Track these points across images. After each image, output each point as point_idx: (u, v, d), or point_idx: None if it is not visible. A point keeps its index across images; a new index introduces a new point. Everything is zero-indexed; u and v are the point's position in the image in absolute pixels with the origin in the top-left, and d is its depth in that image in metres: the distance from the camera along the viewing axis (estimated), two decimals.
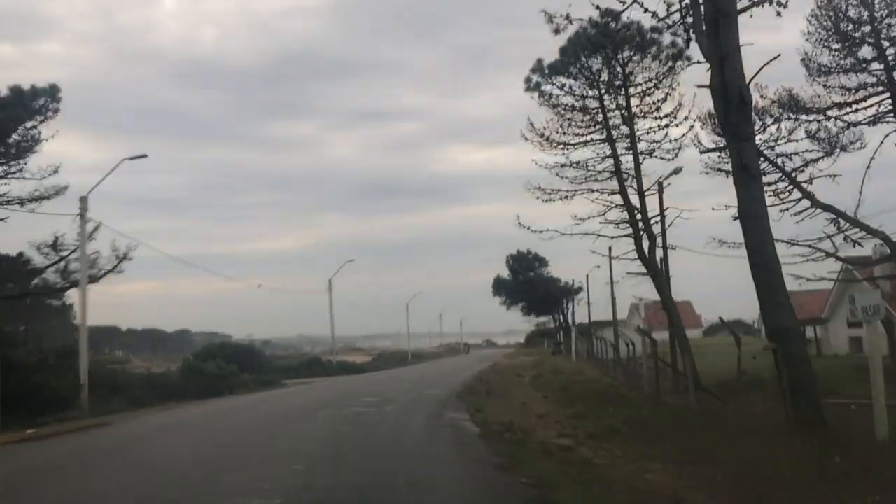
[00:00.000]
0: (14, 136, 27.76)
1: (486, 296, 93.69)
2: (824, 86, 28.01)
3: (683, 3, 17.30)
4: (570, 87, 30.60)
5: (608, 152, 30.60)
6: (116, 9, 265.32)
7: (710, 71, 16.68)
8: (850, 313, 15.31)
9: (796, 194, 28.98)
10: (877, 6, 26.69)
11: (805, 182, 28.99)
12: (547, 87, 30.48)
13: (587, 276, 71.34)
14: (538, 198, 30.50)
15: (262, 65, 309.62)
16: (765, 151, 29.80)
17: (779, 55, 24.89)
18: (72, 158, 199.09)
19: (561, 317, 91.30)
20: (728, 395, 23.26)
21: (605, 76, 30.15)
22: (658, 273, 29.60)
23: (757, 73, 17.05)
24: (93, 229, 28.70)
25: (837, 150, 28.82)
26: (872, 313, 13.97)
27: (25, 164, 28.08)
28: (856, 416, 17.05)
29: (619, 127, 30.46)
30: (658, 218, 30.16)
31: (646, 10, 17.23)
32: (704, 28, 16.91)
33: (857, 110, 27.80)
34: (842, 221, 27.33)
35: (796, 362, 15.42)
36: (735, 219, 25.58)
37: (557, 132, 31.02)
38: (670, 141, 29.60)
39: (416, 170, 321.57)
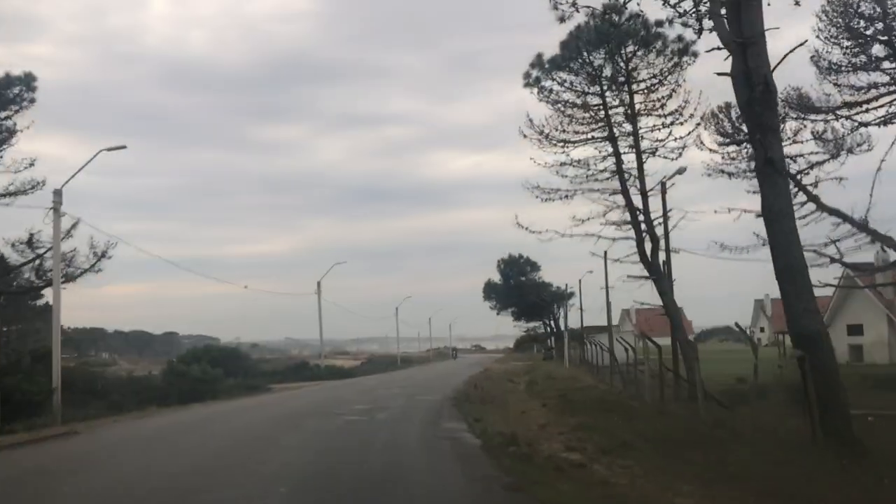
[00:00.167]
0: None
1: (475, 301, 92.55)
2: (835, 84, 27.04)
3: None
4: (571, 83, 29.42)
5: (609, 151, 29.42)
6: (105, 11, 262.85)
7: (728, 59, 15.61)
8: None
9: (801, 198, 28.10)
10: (889, 2, 25.71)
11: (810, 185, 28.11)
12: (547, 83, 29.27)
13: (580, 280, 70.43)
14: (537, 197, 29.35)
15: (252, 68, 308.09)
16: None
17: (805, 41, 23.69)
18: (58, 159, 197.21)
19: (552, 322, 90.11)
20: (731, 403, 22.15)
21: (607, 71, 28.98)
22: (661, 277, 28.43)
23: (781, 61, 15.95)
24: (70, 226, 27.37)
25: (844, 152, 27.92)
26: None
27: (0, 156, 26.66)
28: (878, 428, 16.06)
29: (622, 125, 29.30)
30: (661, 220, 29.01)
31: None
32: (724, 12, 15.80)
33: (867, 110, 26.90)
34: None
35: (825, 371, 14.31)
36: (758, 216, 24.42)
37: (557, 130, 29.85)
38: (676, 139, 28.47)
39: (406, 174, 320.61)
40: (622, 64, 28.77)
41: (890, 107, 26.43)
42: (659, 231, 28.98)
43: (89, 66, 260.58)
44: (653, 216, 29.00)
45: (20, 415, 22.48)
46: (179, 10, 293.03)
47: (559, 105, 29.63)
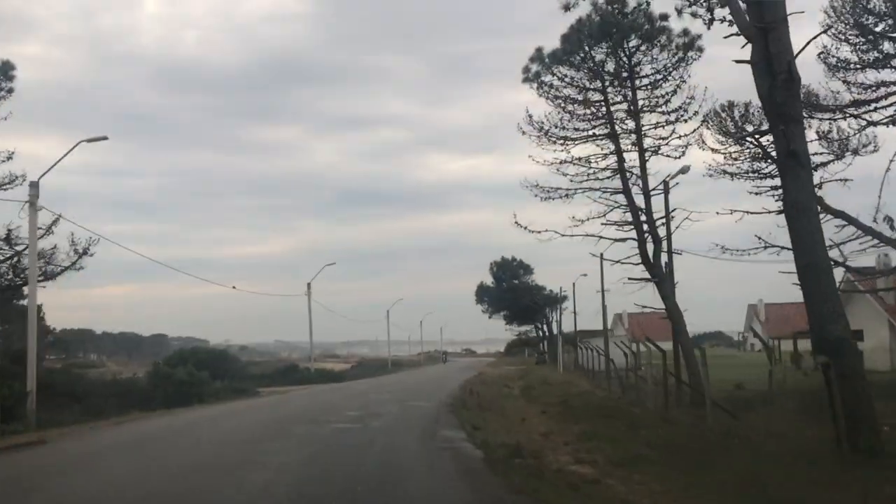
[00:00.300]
0: None
1: (465, 304, 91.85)
2: (844, 81, 26.20)
3: None
4: (572, 78, 28.48)
5: (611, 149, 28.47)
6: (97, 11, 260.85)
7: (745, 47, 14.72)
8: None
9: None
10: None
11: (815, 187, 27.24)
12: (547, 78, 28.32)
13: (573, 284, 69.63)
14: (536, 195, 28.42)
15: (244, 69, 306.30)
16: (773, 154, 28.26)
17: (829, 28, 22.72)
18: (49, 159, 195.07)
19: (545, 326, 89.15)
20: (734, 410, 21.18)
21: (609, 66, 28.04)
22: (663, 279, 27.49)
23: (803, 49, 15.05)
24: (51, 223, 26.24)
25: (849, 153, 27.11)
26: None
27: None
28: None
29: (624, 121, 28.37)
30: (663, 220, 28.09)
31: None
32: None
33: (875, 109, 26.10)
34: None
35: (852, 379, 13.37)
36: (779, 212, 23.64)
37: (556, 127, 28.89)
38: (680, 137, 27.53)
39: (398, 177, 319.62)
40: (625, 59, 27.85)
41: None
42: (661, 232, 28.14)
43: (80, 67, 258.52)
44: (655, 216, 28.13)
45: None
46: (172, 10, 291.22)
47: (559, 101, 28.71)
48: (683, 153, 28.35)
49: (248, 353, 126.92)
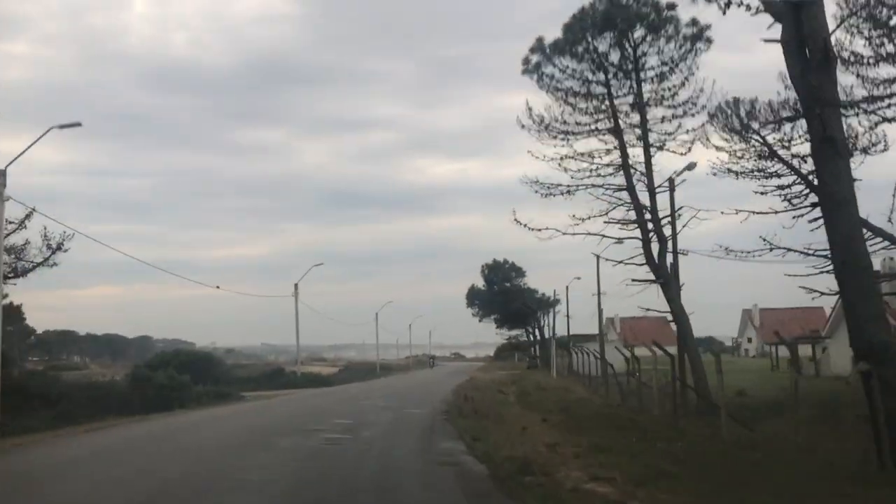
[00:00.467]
0: None
1: (454, 308, 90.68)
2: (857, 75, 25.05)
3: None
4: (573, 70, 27.21)
5: (615, 144, 27.24)
6: (86, 10, 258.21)
7: (771, 27, 13.48)
8: None
9: (812, 199, 26.19)
10: None
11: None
12: (548, 69, 27.07)
13: (567, 287, 68.50)
14: (536, 191, 27.23)
15: (233, 70, 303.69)
16: (779, 152, 27.23)
17: (854, 12, 21.49)
18: (36, 159, 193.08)
19: (536, 330, 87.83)
20: (744, 419, 19.96)
21: (613, 58, 26.79)
22: (668, 280, 26.24)
23: (838, 26, 13.86)
24: (24, 216, 24.75)
25: (858, 152, 26.00)
26: None
27: None
28: None
29: (629, 115, 27.14)
30: (668, 219, 26.86)
31: None
32: None
33: (889, 105, 24.99)
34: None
35: None
36: (814, 206, 22.35)
37: (557, 121, 27.63)
38: (687, 132, 26.31)
39: (388, 179, 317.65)
40: (630, 50, 26.63)
41: None
42: (665, 232, 26.91)
43: (69, 66, 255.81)
44: (660, 215, 26.92)
45: None
46: (162, 11, 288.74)
47: (560, 93, 27.45)
48: (690, 149, 27.18)
49: (235, 355, 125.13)
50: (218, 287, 47.51)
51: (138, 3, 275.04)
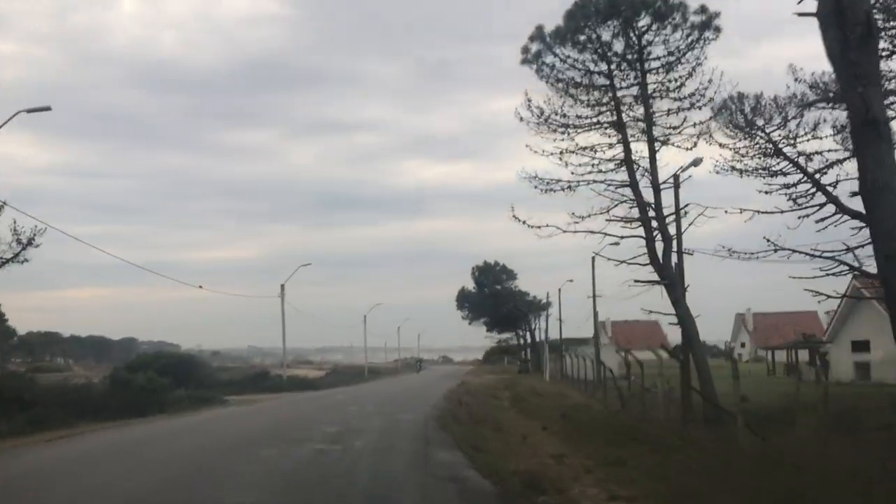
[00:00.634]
0: None
1: (442, 312, 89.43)
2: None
3: None
4: (575, 60, 25.92)
5: (618, 138, 25.97)
6: (73, 9, 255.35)
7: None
8: None
9: (818, 199, 25.13)
10: None
11: (829, 185, 25.12)
12: (548, 59, 25.76)
13: (559, 290, 67.56)
14: (536, 187, 25.84)
15: (222, 71, 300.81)
16: (784, 150, 26.16)
17: None
18: (21, 159, 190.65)
19: (527, 333, 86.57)
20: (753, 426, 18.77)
21: (617, 47, 25.52)
22: (673, 281, 24.99)
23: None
24: None
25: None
26: None
27: None
28: None
29: (632, 107, 25.88)
30: (672, 217, 25.64)
31: None
32: None
33: None
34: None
35: None
36: (854, 195, 21.13)
37: (557, 114, 26.34)
38: (694, 125, 25.07)
39: (375, 182, 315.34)
40: (634, 39, 25.35)
41: None
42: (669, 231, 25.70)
43: (55, 66, 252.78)
44: (664, 212, 25.67)
45: None
46: (150, 11, 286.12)
47: (561, 84, 26.14)
48: (695, 144, 25.94)
49: (220, 358, 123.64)
50: (201, 287, 46.11)
51: (126, 3, 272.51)
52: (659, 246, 25.53)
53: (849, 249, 24.21)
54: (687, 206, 25.40)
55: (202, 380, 47.16)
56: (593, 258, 49.98)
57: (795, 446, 16.67)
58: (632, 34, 25.30)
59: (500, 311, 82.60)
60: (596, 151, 25.85)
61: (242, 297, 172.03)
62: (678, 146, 25.96)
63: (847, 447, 15.12)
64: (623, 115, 26.02)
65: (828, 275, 25.27)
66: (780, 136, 26.10)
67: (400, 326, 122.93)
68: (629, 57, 25.67)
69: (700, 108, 25.22)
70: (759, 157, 26.42)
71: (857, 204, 23.03)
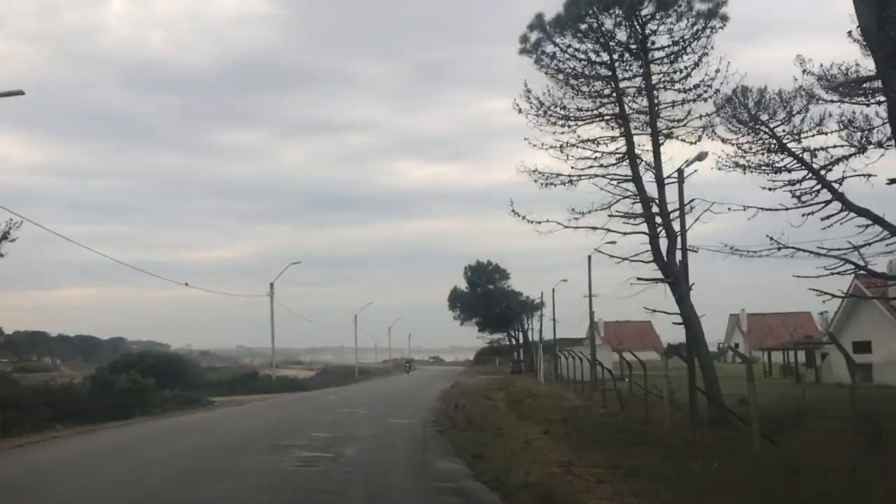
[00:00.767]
0: None
1: (433, 312, 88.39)
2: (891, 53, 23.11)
3: None
4: (576, 50, 24.92)
5: (620, 131, 24.99)
6: (61, 8, 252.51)
7: None
8: None
9: (823, 196, 24.29)
10: None
11: (835, 182, 24.30)
12: (549, 48, 24.76)
13: (553, 290, 66.73)
14: (535, 181, 24.87)
15: (212, 71, 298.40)
16: (789, 145, 25.31)
17: None
18: (7, 158, 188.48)
19: (520, 333, 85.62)
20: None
21: (620, 36, 24.54)
22: (678, 279, 24.03)
23: None
24: None
25: (872, 145, 24.08)
26: None
27: None
28: None
29: (636, 98, 24.90)
30: (677, 213, 24.68)
31: None
32: None
33: None
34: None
35: None
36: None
37: (557, 105, 25.34)
38: (700, 117, 24.10)
39: (366, 182, 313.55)
40: (638, 27, 24.37)
41: None
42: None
43: (43, 65, 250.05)
44: (668, 208, 24.74)
45: None
46: (140, 10, 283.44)
47: (560, 75, 25.15)
48: (700, 138, 25.01)
49: (209, 358, 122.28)
50: (187, 284, 44.91)
51: (116, 2, 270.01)
52: (663, 243, 24.63)
53: (855, 248, 23.48)
54: (693, 200, 24.49)
55: (189, 380, 45.99)
56: (589, 257, 49.27)
57: (810, 451, 15.82)
58: (635, 22, 24.34)
59: (493, 310, 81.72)
60: (599, 144, 24.86)
61: (232, 297, 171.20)
62: (683, 139, 25.01)
63: (857, 451, 14.26)
64: (626, 106, 25.08)
65: (832, 273, 24.48)
66: (784, 131, 25.30)
67: (391, 327, 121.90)
68: (632, 46, 24.69)
69: (706, 99, 24.29)
70: (763, 153, 25.65)
71: (864, 201, 22.31)
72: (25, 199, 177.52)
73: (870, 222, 23.45)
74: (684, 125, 24.83)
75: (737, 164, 26.16)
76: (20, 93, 19.35)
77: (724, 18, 23.99)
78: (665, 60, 24.62)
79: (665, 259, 24.39)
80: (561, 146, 25.25)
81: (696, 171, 24.80)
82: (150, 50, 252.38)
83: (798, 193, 24.79)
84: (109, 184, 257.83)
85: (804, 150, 24.94)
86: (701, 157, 24.88)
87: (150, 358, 45.42)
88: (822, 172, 24.55)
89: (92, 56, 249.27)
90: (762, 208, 24.51)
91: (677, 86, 24.58)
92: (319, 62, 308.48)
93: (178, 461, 15.44)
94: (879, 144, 23.90)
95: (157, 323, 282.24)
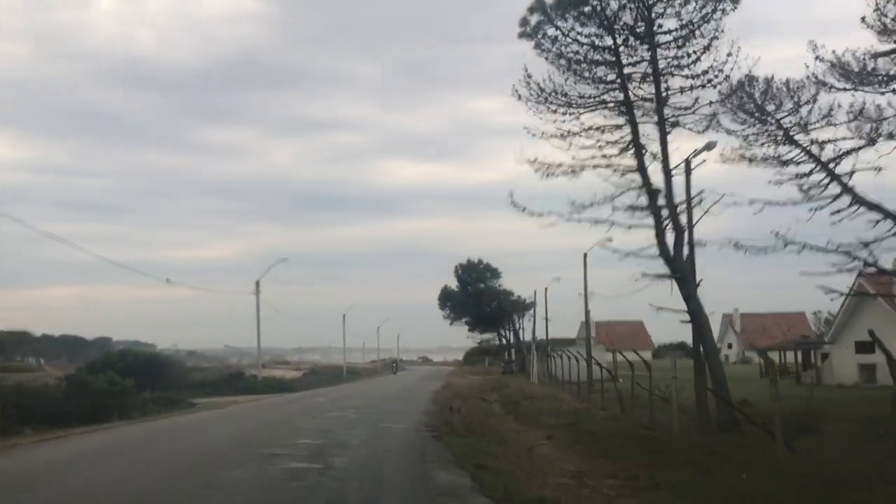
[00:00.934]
0: None
1: (421, 312, 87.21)
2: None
3: None
4: (579, 33, 23.69)
5: (625, 119, 23.80)
6: (48, 5, 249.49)
7: None
8: None
9: (833, 189, 23.33)
10: None
11: (844, 175, 23.33)
12: (550, 31, 23.51)
13: (546, 289, 65.75)
14: (536, 170, 23.67)
15: (200, 69, 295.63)
16: (796, 137, 24.34)
17: None
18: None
19: (511, 333, 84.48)
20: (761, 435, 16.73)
21: (625, 19, 23.30)
22: (685, 275, 22.85)
23: None
24: None
25: (883, 137, 23.13)
26: None
27: None
28: None
29: (641, 85, 23.69)
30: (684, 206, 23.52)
31: None
32: None
33: None
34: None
35: None
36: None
37: (559, 92, 24.12)
38: (710, 103, 22.95)
39: (355, 181, 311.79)
40: (644, 9, 23.14)
41: None
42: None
43: (28, 62, 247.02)
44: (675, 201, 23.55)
45: None
46: (127, 8, 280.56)
47: (563, 60, 23.90)
48: (707, 127, 23.89)
49: (196, 358, 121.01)
50: (168, 280, 43.53)
51: (104, 0, 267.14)
52: (670, 238, 23.44)
53: (865, 244, 22.45)
54: (701, 192, 23.34)
55: (173, 381, 44.62)
56: (585, 255, 48.15)
57: (831, 456, 14.78)
58: (641, 4, 23.12)
59: (484, 310, 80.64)
60: (603, 132, 23.66)
61: (220, 296, 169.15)
62: (690, 128, 23.84)
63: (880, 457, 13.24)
64: (631, 93, 23.87)
65: (840, 271, 23.50)
66: (791, 122, 24.33)
67: (379, 327, 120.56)
68: (638, 29, 23.45)
69: (716, 85, 23.14)
70: (770, 145, 24.71)
71: (875, 195, 21.32)
72: (8, 197, 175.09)
73: (881, 217, 22.49)
74: (693, 112, 23.69)
75: (742, 157, 25.21)
76: None
77: (735, 0, 22.90)
78: (672, 44, 23.36)
79: (671, 254, 23.25)
80: (562, 134, 24.12)
81: (703, 161, 23.66)
82: (137, 48, 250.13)
83: (806, 187, 23.84)
84: (95, 182, 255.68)
85: (812, 141, 23.95)
86: (710, 146, 23.78)
87: (129, 357, 43.79)
88: (831, 165, 23.55)
89: (78, 53, 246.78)
90: (768, 202, 23.59)
91: (685, 71, 23.36)
92: (309, 60, 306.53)
93: (142, 476, 13.56)
94: (890, 136, 22.93)
95: (143, 323, 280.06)
